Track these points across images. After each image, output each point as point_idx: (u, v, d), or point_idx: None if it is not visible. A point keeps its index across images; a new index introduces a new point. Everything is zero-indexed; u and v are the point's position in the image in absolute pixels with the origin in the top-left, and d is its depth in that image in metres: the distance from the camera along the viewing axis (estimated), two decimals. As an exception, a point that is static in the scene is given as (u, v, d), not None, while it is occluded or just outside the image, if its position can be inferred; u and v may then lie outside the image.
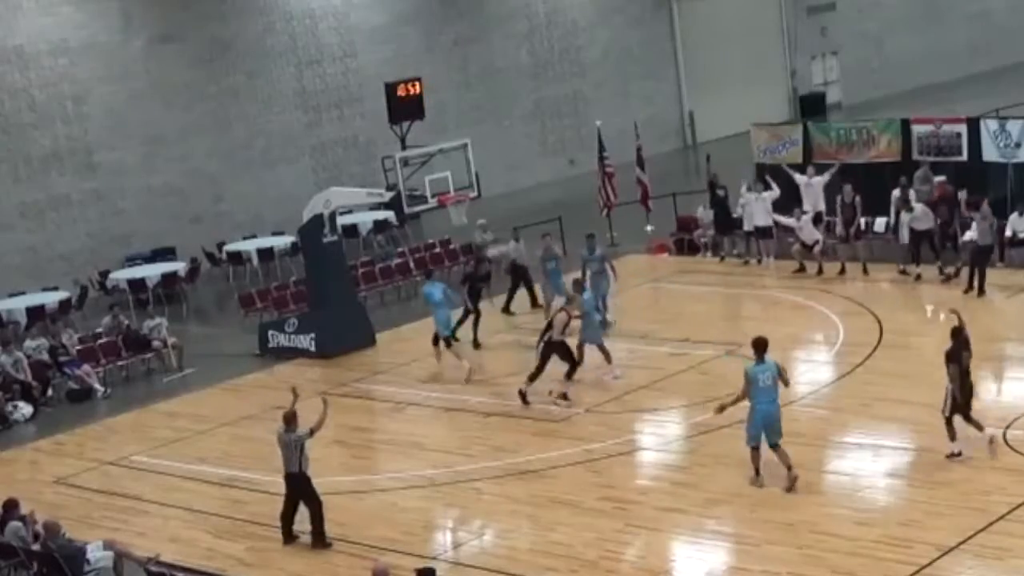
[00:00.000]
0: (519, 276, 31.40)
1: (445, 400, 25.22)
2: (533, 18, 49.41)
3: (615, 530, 18.68)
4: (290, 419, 19.18)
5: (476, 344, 28.23)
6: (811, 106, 56.10)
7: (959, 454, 19.22)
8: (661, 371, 24.96)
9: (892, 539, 17.25)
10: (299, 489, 19.29)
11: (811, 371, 24.79)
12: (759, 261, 32.54)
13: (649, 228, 35.67)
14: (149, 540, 20.22)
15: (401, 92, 42.33)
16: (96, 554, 18.15)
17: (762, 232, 32.48)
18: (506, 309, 30.90)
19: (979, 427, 19.46)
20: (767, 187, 32.63)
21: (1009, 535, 16.99)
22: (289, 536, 19.51)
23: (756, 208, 32.41)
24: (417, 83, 42.78)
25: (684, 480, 20.21)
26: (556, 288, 28.25)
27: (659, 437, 22.36)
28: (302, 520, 19.46)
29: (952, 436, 19.28)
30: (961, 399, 19.24)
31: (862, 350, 25.10)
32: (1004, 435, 20.06)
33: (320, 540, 19.29)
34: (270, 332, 30.19)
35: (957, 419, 19.28)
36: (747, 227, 32.88)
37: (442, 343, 26.40)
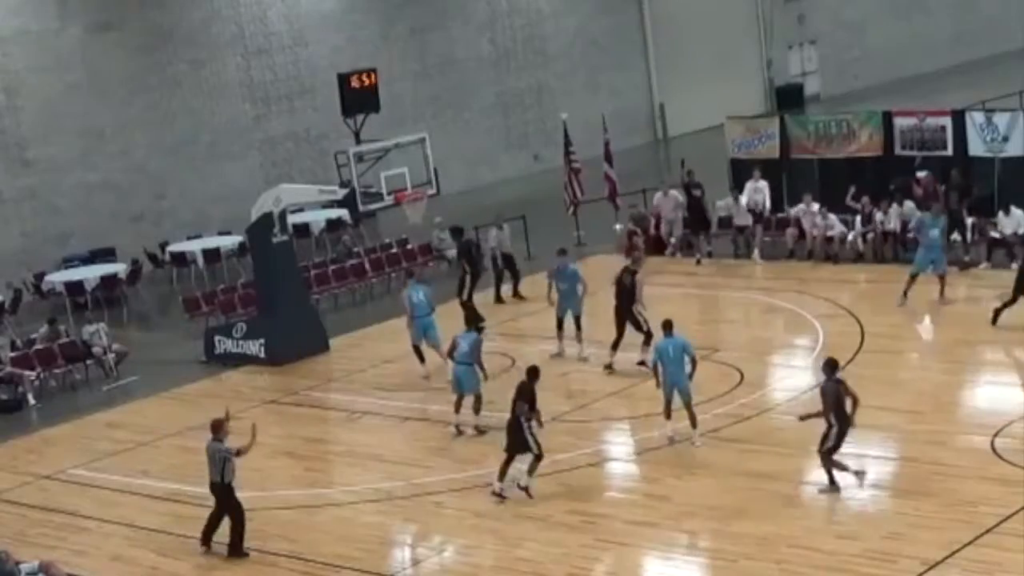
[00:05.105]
0: (504, 264, 32.12)
1: (403, 409, 25.20)
2: (495, 5, 49.46)
3: (583, 545, 18.70)
4: (217, 427, 19.45)
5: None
6: (788, 98, 56.33)
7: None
8: (631, 378, 25.01)
9: (875, 553, 17.34)
10: (220, 499, 19.52)
11: (789, 377, 24.91)
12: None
13: (617, 227, 35.73)
14: (89, 559, 20.17)
15: (355, 83, 42.41)
16: (30, 576, 18.06)
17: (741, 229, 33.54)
18: (497, 299, 31.79)
19: None
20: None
21: (998, 548, 17.09)
22: (205, 541, 19.78)
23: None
24: (372, 74, 42.86)
25: (655, 492, 20.25)
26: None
27: (629, 447, 22.41)
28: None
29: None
30: None
31: (842, 355, 25.13)
32: (992, 443, 20.23)
33: (237, 550, 19.52)
34: (217, 338, 30.11)
35: None
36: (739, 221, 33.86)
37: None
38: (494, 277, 32.14)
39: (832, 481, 19.20)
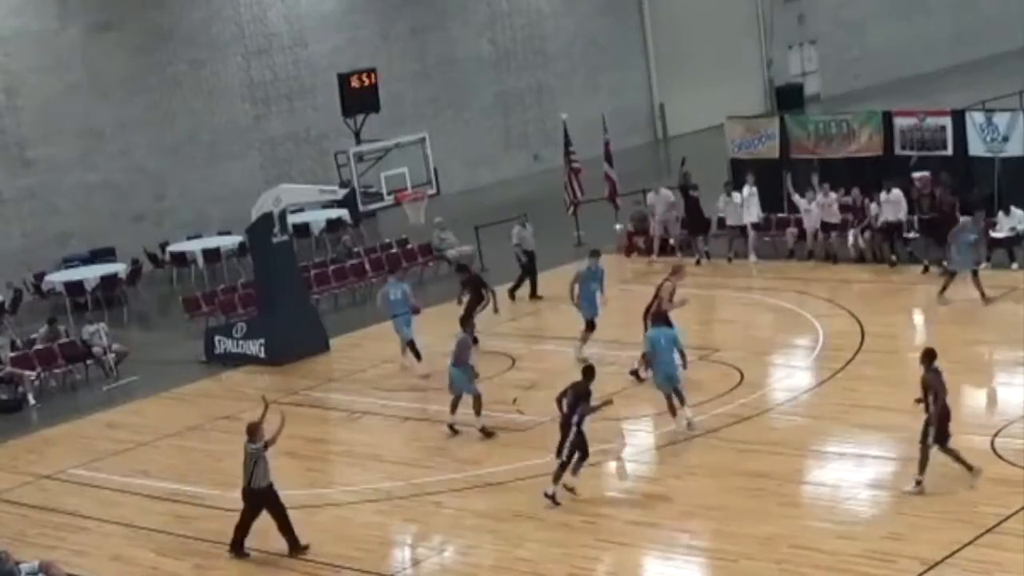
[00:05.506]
0: (525, 263, 31.89)
1: (403, 409, 25.21)
2: (494, 5, 49.42)
3: (584, 545, 18.69)
4: (252, 430, 19.37)
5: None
6: (788, 98, 56.24)
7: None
8: (631, 378, 24.97)
9: (875, 553, 17.33)
10: (247, 503, 19.45)
11: (789, 377, 24.90)
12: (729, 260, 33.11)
13: (617, 227, 35.74)
14: (88, 559, 20.16)
15: (355, 83, 42.41)
16: (30, 576, 18.05)
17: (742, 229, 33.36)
18: (512, 296, 31.55)
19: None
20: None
21: (998, 548, 17.08)
22: (238, 550, 19.62)
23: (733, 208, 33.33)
24: (372, 74, 42.85)
25: (656, 492, 20.25)
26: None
27: (630, 447, 22.39)
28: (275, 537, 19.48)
29: None
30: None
31: (843, 355, 25.20)
32: (992, 443, 20.21)
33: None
34: (217, 337, 30.10)
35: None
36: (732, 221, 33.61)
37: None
38: (518, 275, 31.93)
39: (969, 467, 18.87)
